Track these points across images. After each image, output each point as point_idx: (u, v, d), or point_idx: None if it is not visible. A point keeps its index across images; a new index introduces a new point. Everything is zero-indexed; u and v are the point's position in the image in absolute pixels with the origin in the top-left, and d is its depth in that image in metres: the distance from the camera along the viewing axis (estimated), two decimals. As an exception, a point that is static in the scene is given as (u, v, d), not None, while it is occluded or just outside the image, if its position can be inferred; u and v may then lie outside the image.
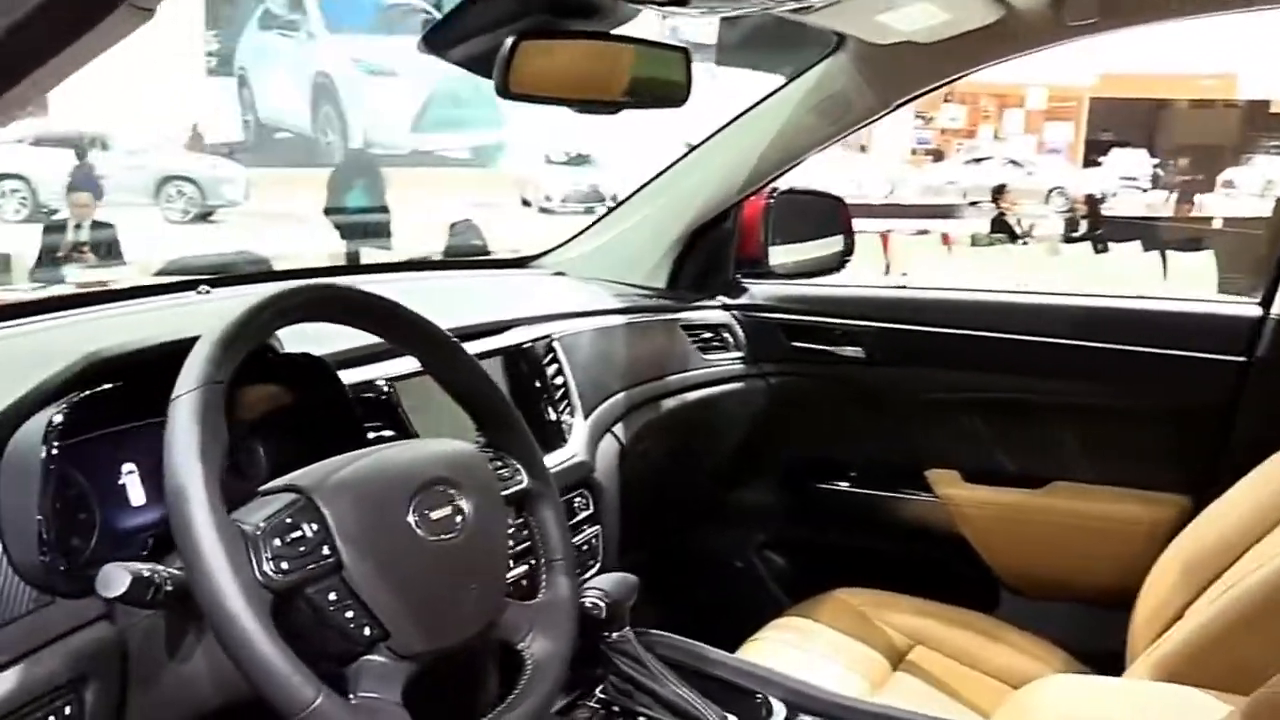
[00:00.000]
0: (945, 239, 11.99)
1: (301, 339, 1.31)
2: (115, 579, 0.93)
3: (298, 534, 0.99)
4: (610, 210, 2.44)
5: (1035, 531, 2.14)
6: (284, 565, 0.96)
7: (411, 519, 1.06)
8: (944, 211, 16.47)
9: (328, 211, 9.37)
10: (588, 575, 1.69)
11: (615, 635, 1.50)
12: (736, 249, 2.37)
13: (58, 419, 1.07)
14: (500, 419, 1.27)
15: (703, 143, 2.24)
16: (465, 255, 7.68)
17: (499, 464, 1.24)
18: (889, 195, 17.68)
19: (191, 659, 1.03)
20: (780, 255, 2.39)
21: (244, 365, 1.27)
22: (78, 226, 6.87)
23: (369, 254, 8.53)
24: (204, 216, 13.41)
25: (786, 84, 2.09)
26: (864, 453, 2.38)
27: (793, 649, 1.86)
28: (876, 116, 2.08)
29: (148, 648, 1.09)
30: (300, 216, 10.40)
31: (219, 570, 0.91)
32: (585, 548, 1.71)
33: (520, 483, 1.25)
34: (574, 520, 1.71)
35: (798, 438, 2.44)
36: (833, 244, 2.47)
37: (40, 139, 12.21)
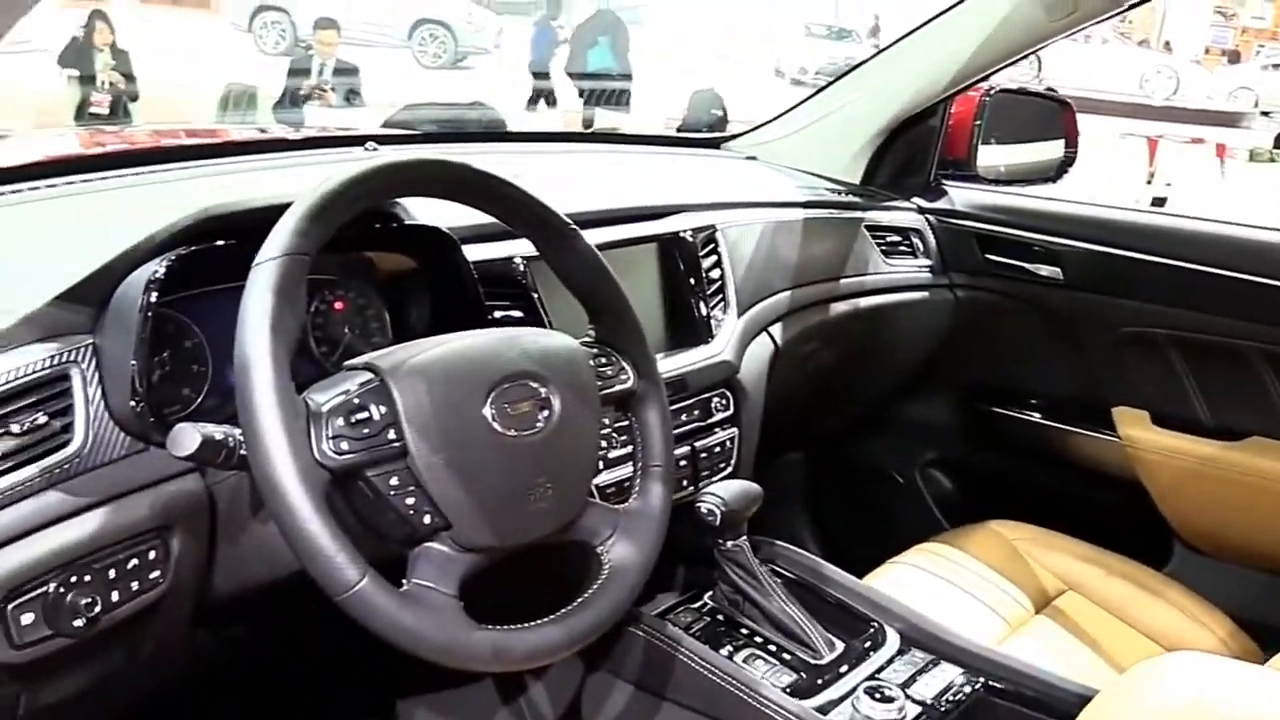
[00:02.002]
0: (1219, 150, 11.08)
1: (442, 207, 1.29)
2: (185, 439, 0.94)
3: (364, 415, 0.97)
4: (815, 93, 2.32)
5: (1223, 488, 1.96)
6: (344, 445, 0.95)
7: (487, 411, 1.03)
8: (1228, 120, 15.23)
9: (569, 71, 9.37)
10: (717, 478, 1.64)
11: (730, 543, 1.47)
12: (941, 148, 2.24)
13: (160, 271, 1.07)
14: (612, 313, 1.22)
15: (916, 29, 2.09)
16: (703, 126, 7.54)
17: (604, 360, 1.19)
18: (1171, 96, 16.42)
19: (270, 521, 1.05)
20: (990, 158, 2.27)
21: (371, 230, 1.28)
22: (322, 66, 7.00)
23: (604, 118, 8.54)
24: (456, 62, 13.63)
25: (1009, -27, 1.90)
26: (1048, 381, 2.23)
27: (933, 576, 1.79)
28: (1107, 15, 1.88)
29: (234, 505, 1.11)
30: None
31: (274, 445, 0.90)
32: (718, 449, 1.65)
33: (625, 382, 1.20)
34: (710, 421, 1.65)
35: (979, 357, 2.30)
36: (1052, 150, 2.31)
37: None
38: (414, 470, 0.98)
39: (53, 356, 1.04)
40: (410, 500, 0.98)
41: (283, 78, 7.15)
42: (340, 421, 0.96)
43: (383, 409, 0.98)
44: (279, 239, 0.97)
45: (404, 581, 0.98)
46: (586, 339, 1.21)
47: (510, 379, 1.05)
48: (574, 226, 1.18)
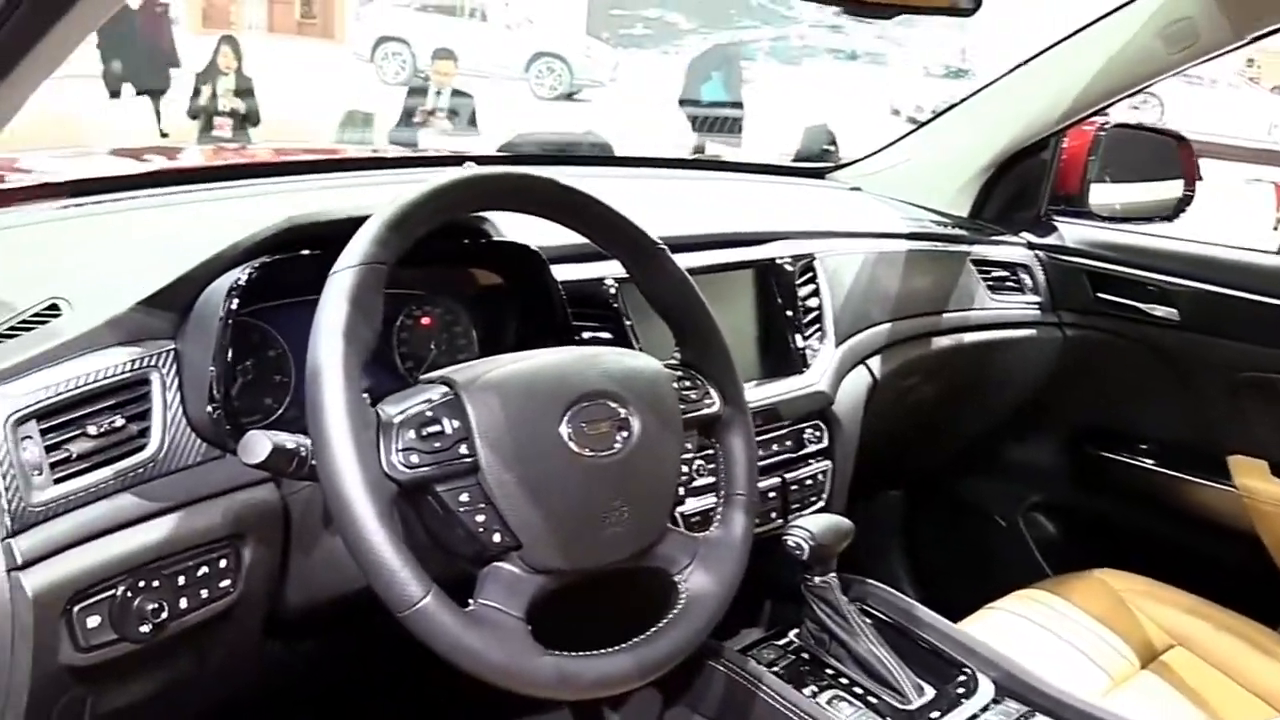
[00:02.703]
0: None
1: (535, 226, 1.29)
2: (256, 445, 0.93)
3: (436, 429, 0.95)
4: (922, 124, 2.28)
5: (1348, 545, 1.85)
6: (414, 459, 0.93)
7: (564, 430, 1.00)
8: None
9: (681, 102, 9.40)
10: (807, 512, 1.60)
11: (817, 579, 1.43)
12: (1053, 183, 2.17)
13: (243, 279, 1.07)
14: (698, 336, 1.19)
15: (1026, 61, 2.04)
16: (814, 160, 7.46)
17: (689, 384, 1.16)
18: (1297, 139, 15.83)
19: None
20: (1104, 195, 2.18)
21: (460, 246, 1.28)
22: (438, 93, 7.14)
23: (715, 148, 8.53)
24: (570, 95, 13.80)
25: (1127, 3, 1.84)
26: (1161, 425, 2.13)
27: (1033, 624, 1.71)
28: (1230, 48, 1.81)
29: (307, 516, 1.10)
30: (659, 104, 10.52)
31: (341, 454, 0.88)
32: (810, 482, 1.61)
33: (709, 406, 1.17)
34: (802, 452, 1.61)
35: (1088, 398, 2.22)
36: (1169, 189, 2.22)
37: (425, 5, 12.87)
38: (485, 487, 0.96)
39: (134, 360, 1.05)
40: (480, 518, 0.96)
41: (397, 105, 7.31)
42: (411, 434, 0.94)
43: (455, 423, 0.96)
44: (357, 247, 0.96)
45: (470, 601, 0.96)
46: (672, 362, 1.18)
47: (589, 398, 1.03)
48: (662, 246, 1.16)
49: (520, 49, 13.70)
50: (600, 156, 2.40)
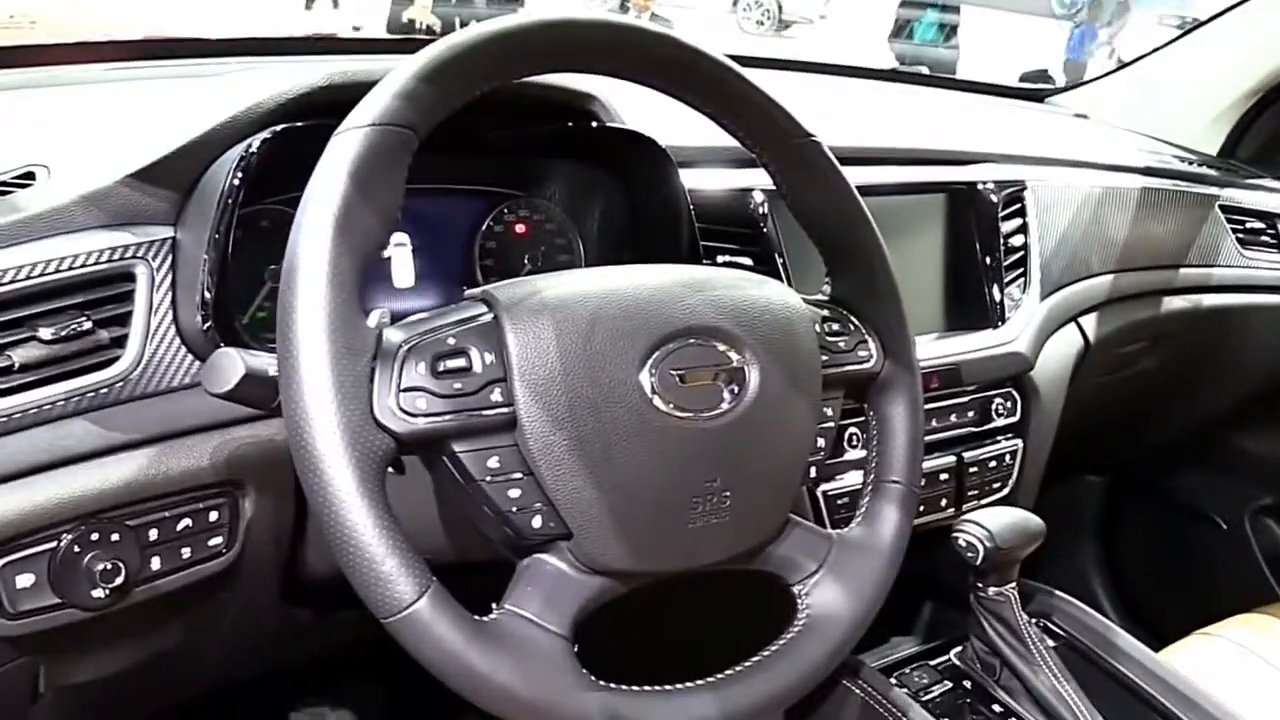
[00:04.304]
0: None
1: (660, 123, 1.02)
2: (223, 369, 0.68)
3: (459, 363, 0.68)
4: (1166, 44, 1.96)
5: None
6: (421, 403, 0.66)
7: (645, 378, 0.72)
8: None
9: (892, 40, 8.95)
10: (987, 501, 1.31)
11: (992, 590, 1.13)
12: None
13: (255, 144, 0.82)
14: (858, 265, 0.89)
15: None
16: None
17: (837, 328, 0.87)
18: None
19: None
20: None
21: (564, 134, 1.02)
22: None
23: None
24: (779, 31, 13.49)
25: None
26: None
27: (1257, 658, 1.39)
28: None
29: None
30: (869, 43, 10.10)
31: (311, 389, 0.63)
32: (993, 465, 1.31)
33: (864, 361, 0.87)
34: (987, 427, 1.32)
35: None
36: None
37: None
38: (524, 450, 0.69)
39: (116, 249, 0.81)
40: (514, 492, 0.69)
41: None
42: (422, 367, 0.67)
43: (488, 356, 0.69)
44: (372, 102, 0.69)
45: (493, 607, 0.70)
46: (818, 297, 0.89)
47: (687, 335, 0.74)
48: (817, 139, 0.86)
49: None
50: (788, 60, 2.08)
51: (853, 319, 0.88)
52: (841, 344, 0.86)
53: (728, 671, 0.76)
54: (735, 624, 0.82)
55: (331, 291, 0.64)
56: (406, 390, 0.66)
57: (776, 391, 0.77)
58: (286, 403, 0.63)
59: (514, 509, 0.69)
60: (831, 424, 0.84)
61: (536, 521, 0.70)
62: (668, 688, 0.73)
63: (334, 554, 0.63)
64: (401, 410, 0.66)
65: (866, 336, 0.88)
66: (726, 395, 0.75)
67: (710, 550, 0.76)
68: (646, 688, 0.72)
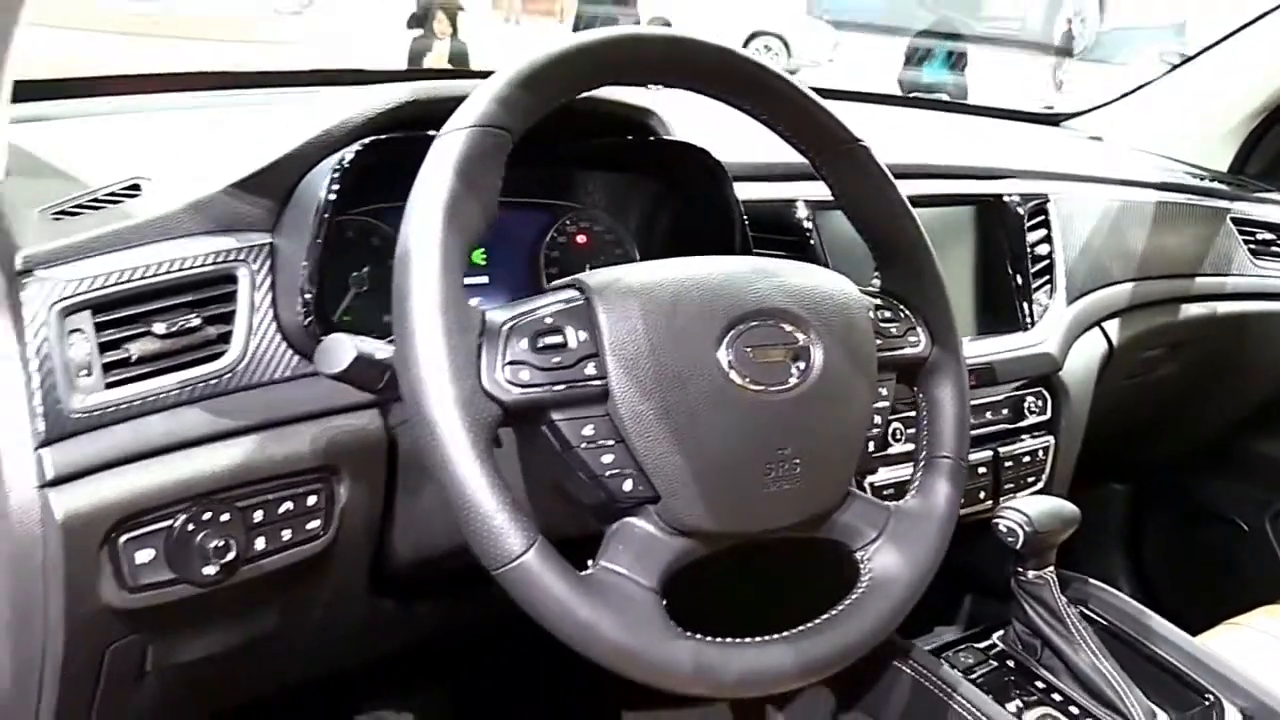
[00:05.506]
0: None
1: (711, 137, 1.09)
2: (336, 351, 0.75)
3: (556, 339, 0.75)
4: (1175, 67, 2.01)
5: None
6: (524, 375, 0.73)
7: (723, 354, 0.79)
8: None
9: (900, 82, 8.95)
10: (1023, 494, 1.36)
11: (1031, 573, 1.19)
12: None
13: (349, 156, 0.89)
14: (909, 260, 0.96)
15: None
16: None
17: (889, 316, 0.94)
18: None
19: None
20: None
21: (624, 147, 1.09)
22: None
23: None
24: (790, 72, 13.68)
25: None
26: None
27: (1283, 646, 1.43)
28: None
29: (415, 450, 0.93)
30: (877, 84, 10.15)
31: (428, 360, 0.69)
32: (1027, 459, 1.36)
33: (915, 346, 0.94)
34: (1021, 424, 1.37)
35: (1365, 388, 1.90)
36: None
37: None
38: (615, 418, 0.76)
39: (220, 253, 0.88)
40: (607, 458, 0.76)
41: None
42: (524, 344, 0.74)
43: (582, 334, 0.76)
44: (473, 106, 0.76)
45: (589, 564, 0.76)
46: (870, 289, 0.96)
47: (758, 316, 0.81)
48: (865, 144, 0.93)
49: (739, 26, 13.52)
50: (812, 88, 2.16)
51: (903, 308, 0.95)
52: (893, 330, 0.93)
53: (800, 628, 0.82)
54: (802, 591, 0.88)
55: (443, 273, 0.71)
56: (511, 364, 0.73)
57: (838, 369, 0.84)
58: (404, 375, 0.70)
59: (607, 473, 0.76)
60: (886, 403, 0.91)
61: (628, 485, 0.76)
62: (747, 640, 0.79)
63: (451, 510, 0.70)
64: (508, 382, 0.73)
65: (916, 325, 0.94)
66: (794, 371, 0.82)
67: (783, 514, 0.82)
68: (728, 639, 0.78)
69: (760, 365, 0.80)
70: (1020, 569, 1.20)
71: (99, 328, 0.82)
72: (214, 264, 0.88)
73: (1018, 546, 1.16)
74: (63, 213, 0.88)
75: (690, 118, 1.10)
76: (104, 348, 0.82)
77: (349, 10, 9.24)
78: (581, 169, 1.13)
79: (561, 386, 0.75)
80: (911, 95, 4.46)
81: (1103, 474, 1.96)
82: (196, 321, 0.86)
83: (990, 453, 1.33)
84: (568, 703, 1.52)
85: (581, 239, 1.15)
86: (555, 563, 0.71)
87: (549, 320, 0.76)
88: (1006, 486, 1.35)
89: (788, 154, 0.95)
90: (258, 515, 0.87)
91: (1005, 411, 1.36)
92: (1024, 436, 1.38)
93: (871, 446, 0.89)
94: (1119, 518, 2.13)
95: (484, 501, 0.69)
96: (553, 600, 0.71)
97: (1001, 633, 1.26)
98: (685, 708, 1.42)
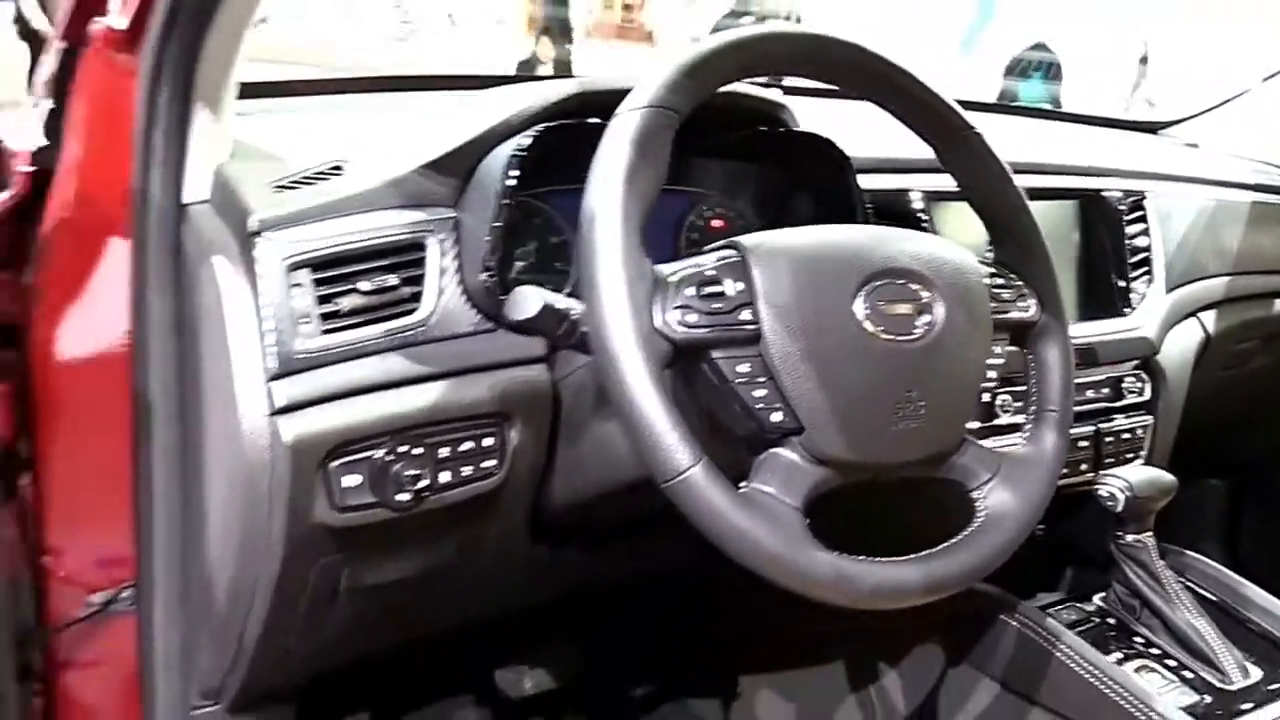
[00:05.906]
0: None
1: (834, 130, 1.20)
2: (526, 300, 0.86)
3: (716, 289, 0.87)
4: (1271, 75, 2.05)
5: None
6: (690, 318, 0.85)
7: (858, 306, 0.90)
8: None
9: (1001, 96, 8.93)
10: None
11: (1131, 537, 1.28)
12: None
13: (526, 143, 1.02)
14: (1019, 234, 1.06)
15: None
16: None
17: (1001, 282, 1.03)
18: None
19: (613, 419, 0.95)
20: None
21: (756, 138, 1.21)
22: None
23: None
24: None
25: None
26: None
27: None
28: None
29: (578, 403, 1.04)
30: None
31: (612, 304, 0.81)
32: (1127, 436, 1.44)
33: (1025, 310, 1.04)
34: (1122, 403, 1.45)
35: None
36: None
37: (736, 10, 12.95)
38: (767, 358, 0.87)
39: (412, 224, 1.01)
40: (759, 392, 0.87)
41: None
42: (690, 291, 0.86)
43: (739, 285, 0.88)
44: (645, 90, 0.88)
45: (742, 485, 0.87)
46: (985, 259, 1.06)
47: (888, 274, 0.92)
48: (979, 131, 1.03)
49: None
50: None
51: (1015, 277, 1.05)
52: (1006, 295, 1.02)
53: (927, 551, 0.93)
54: (925, 524, 0.97)
55: (625, 231, 0.83)
56: (678, 308, 0.85)
57: (958, 325, 0.94)
58: (592, 315, 0.82)
59: (759, 406, 0.87)
60: (1000, 360, 1.01)
61: (776, 417, 0.87)
62: (879, 559, 0.89)
63: (626, 431, 0.81)
64: (677, 323, 0.84)
65: (1026, 291, 1.05)
66: (920, 324, 0.92)
67: (909, 450, 0.93)
68: (863, 557, 0.89)
69: (890, 317, 0.91)
70: (1120, 534, 1.29)
71: (316, 283, 0.96)
72: (408, 233, 1.01)
73: (1118, 510, 1.25)
74: (281, 187, 1.02)
75: (809, 115, 1.21)
76: (320, 300, 0.96)
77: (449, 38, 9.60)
78: (713, 158, 1.24)
79: (721, 329, 0.86)
80: (1016, 104, 4.49)
81: (1201, 468, 2.01)
82: (394, 281, 0.99)
83: (1092, 428, 1.41)
84: (708, 657, 1.62)
85: (718, 223, 1.26)
86: (718, 478, 0.82)
87: (710, 273, 0.88)
88: (1107, 460, 1.42)
89: (903, 149, 1.07)
90: (444, 451, 1.00)
91: (1106, 390, 1.44)
92: (1124, 415, 1.46)
93: (985, 398, 0.99)
94: (1216, 512, 2.17)
95: (658, 421, 0.80)
96: (716, 510, 0.82)
97: (1102, 595, 1.35)
98: (807, 667, 1.52)
